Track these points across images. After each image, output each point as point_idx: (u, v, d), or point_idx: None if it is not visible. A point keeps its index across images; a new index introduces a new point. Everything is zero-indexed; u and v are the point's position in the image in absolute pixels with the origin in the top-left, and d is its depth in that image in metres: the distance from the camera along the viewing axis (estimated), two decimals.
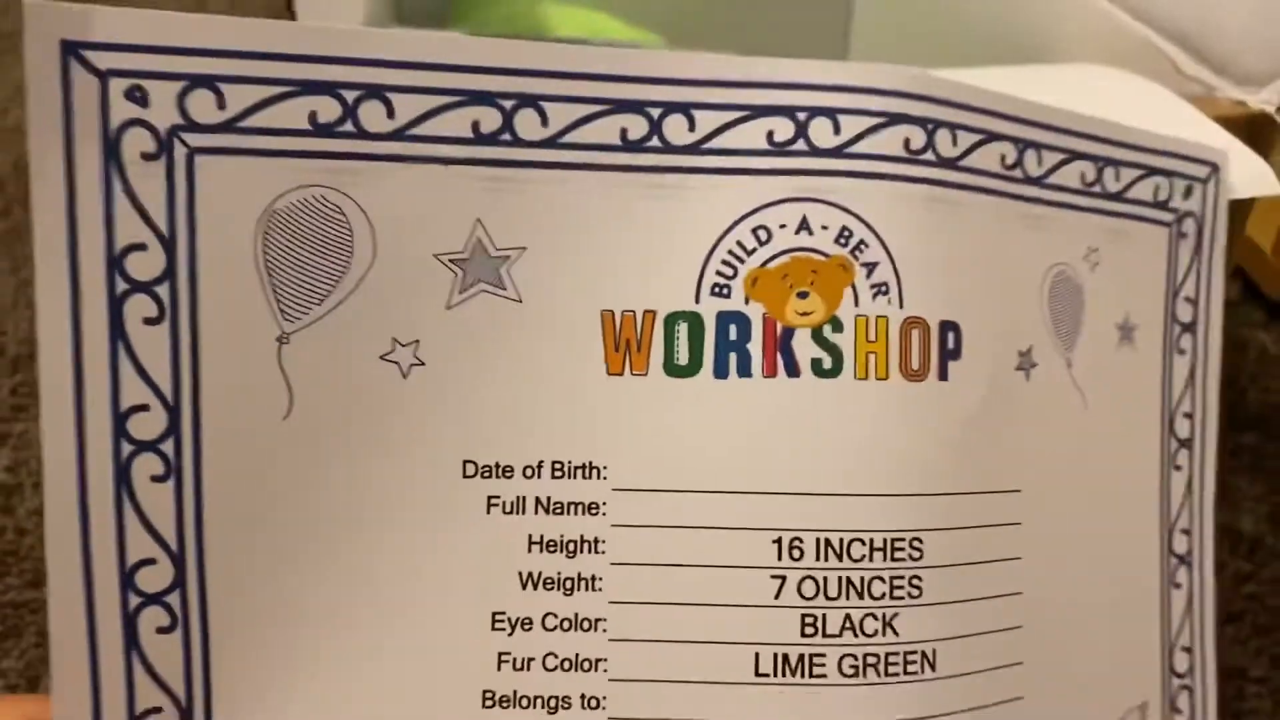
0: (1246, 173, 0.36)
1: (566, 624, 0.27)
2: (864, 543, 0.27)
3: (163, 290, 0.25)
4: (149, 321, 0.25)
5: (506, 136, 0.26)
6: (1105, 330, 0.33)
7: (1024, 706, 0.30)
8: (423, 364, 0.26)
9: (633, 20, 0.48)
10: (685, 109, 0.27)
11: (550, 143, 0.27)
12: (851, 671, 0.27)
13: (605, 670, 0.27)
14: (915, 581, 0.28)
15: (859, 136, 0.28)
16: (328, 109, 0.25)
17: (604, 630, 0.27)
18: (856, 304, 0.28)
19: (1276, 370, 0.72)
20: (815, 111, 0.27)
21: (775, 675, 0.27)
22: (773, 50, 0.28)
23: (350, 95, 0.26)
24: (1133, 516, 0.34)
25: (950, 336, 0.29)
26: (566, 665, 0.27)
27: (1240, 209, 0.37)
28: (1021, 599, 0.30)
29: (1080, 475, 0.33)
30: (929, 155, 0.28)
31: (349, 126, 0.26)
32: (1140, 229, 0.34)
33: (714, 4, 0.56)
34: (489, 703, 0.27)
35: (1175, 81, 0.42)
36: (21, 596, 0.58)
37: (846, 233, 0.28)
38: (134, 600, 0.25)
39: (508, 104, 0.26)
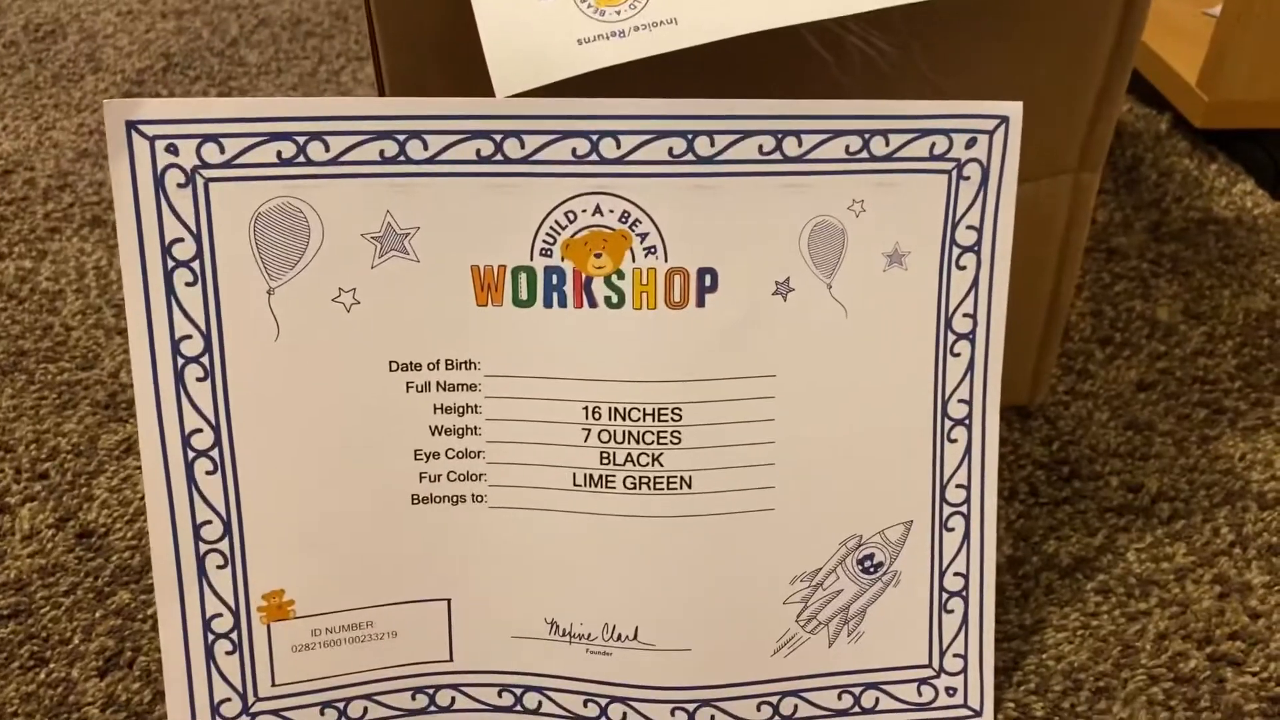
0: None
1: (460, 454, 0.44)
2: (639, 409, 0.43)
3: (195, 265, 0.41)
4: (189, 284, 0.41)
5: (402, 158, 0.41)
6: (870, 258, 0.43)
7: (774, 515, 0.45)
8: (359, 303, 0.42)
9: None
10: (517, 134, 0.41)
11: (431, 160, 0.41)
12: (631, 486, 0.44)
13: (485, 480, 0.45)
14: (676, 434, 0.43)
15: (634, 149, 0.41)
16: (287, 149, 0.40)
17: (483, 457, 0.44)
18: (634, 260, 0.42)
19: (1198, 191, 0.81)
20: (603, 134, 0.41)
21: (585, 486, 0.44)
22: None
23: (301, 139, 0.40)
24: (901, 390, 0.45)
25: (707, 277, 0.42)
26: (460, 478, 0.44)
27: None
28: (774, 446, 0.44)
29: (841, 362, 0.44)
30: (689, 156, 0.41)
31: (301, 159, 0.40)
32: (912, 179, 0.43)
33: None
34: (415, 501, 0.45)
35: None
36: (74, 377, 0.69)
37: (626, 214, 0.42)
38: (190, 454, 0.42)
39: (401, 137, 0.41)
